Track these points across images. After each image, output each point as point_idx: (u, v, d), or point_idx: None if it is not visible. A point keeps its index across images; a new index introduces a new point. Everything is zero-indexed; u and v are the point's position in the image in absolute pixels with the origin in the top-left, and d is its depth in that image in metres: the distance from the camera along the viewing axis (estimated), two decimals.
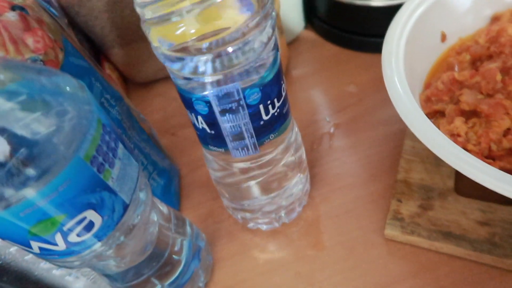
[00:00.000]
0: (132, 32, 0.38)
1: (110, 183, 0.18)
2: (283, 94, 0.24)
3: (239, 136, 0.23)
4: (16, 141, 0.14)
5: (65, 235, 0.17)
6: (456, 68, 0.31)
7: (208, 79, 0.20)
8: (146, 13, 0.19)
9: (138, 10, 0.19)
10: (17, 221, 0.15)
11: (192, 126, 0.25)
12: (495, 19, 0.34)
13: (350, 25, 0.41)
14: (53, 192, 0.15)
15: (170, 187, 0.33)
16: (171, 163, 0.35)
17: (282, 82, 0.24)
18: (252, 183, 0.28)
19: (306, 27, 0.46)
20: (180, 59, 0.19)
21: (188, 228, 0.27)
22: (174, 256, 0.25)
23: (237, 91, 0.21)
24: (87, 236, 0.17)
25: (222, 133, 0.23)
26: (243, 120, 0.22)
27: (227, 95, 0.21)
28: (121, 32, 0.38)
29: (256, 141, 0.24)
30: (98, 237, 0.18)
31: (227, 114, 0.22)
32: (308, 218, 0.32)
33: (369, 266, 0.29)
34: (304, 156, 0.30)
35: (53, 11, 0.25)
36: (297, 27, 0.44)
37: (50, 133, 0.15)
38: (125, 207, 0.19)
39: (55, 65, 0.21)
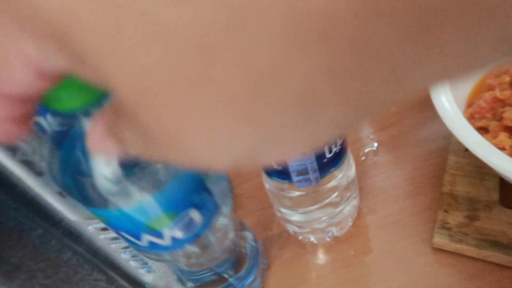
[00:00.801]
0: None
1: (208, 184, 0.19)
2: None
3: (303, 172, 0.26)
4: None
5: (172, 231, 0.19)
6: (497, 89, 0.33)
7: None
8: None
9: None
10: (138, 216, 0.17)
11: None
12: None
13: None
14: (166, 194, 0.17)
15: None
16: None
17: None
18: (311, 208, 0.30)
19: None
20: None
21: (247, 232, 0.30)
22: (240, 257, 0.27)
23: None
24: (190, 233, 0.19)
25: (289, 170, 0.25)
26: (309, 160, 0.25)
27: None
28: None
29: (318, 175, 0.26)
30: (197, 234, 0.20)
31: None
32: (356, 228, 0.34)
33: (417, 274, 0.30)
34: (354, 174, 0.32)
35: None
36: None
37: None
38: (217, 207, 0.21)
39: None
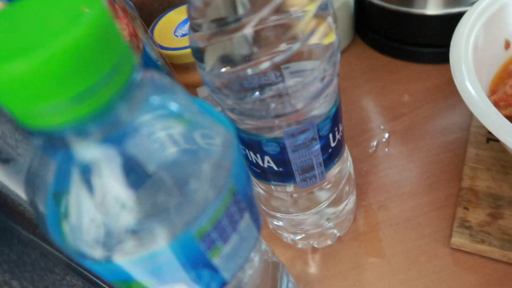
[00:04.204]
0: None
1: (215, 260, 0.14)
2: (342, 116, 0.23)
3: (309, 169, 0.23)
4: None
5: None
6: None
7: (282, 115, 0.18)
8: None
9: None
10: (103, 272, 0.14)
11: None
12: None
13: (402, 34, 0.41)
14: (144, 263, 0.13)
15: None
16: None
17: (340, 104, 0.23)
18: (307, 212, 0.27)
19: (354, 38, 0.46)
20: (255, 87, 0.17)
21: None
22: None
23: (313, 125, 0.20)
24: None
25: (292, 169, 0.22)
26: (315, 152, 0.22)
27: (303, 131, 0.20)
28: None
29: (324, 169, 0.23)
30: None
31: (300, 150, 0.21)
32: (365, 226, 0.31)
33: (434, 277, 0.27)
34: (351, 165, 0.29)
35: (131, 4, 0.25)
36: (347, 38, 0.44)
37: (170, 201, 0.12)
38: (223, 284, 0.16)
39: (138, 53, 0.21)
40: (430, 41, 0.39)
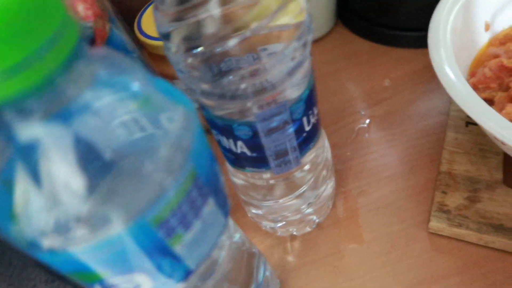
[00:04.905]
0: None
1: (176, 248, 0.14)
2: (316, 99, 0.23)
3: (283, 154, 0.22)
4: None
5: None
6: (503, 56, 0.30)
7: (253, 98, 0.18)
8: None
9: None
10: (57, 263, 0.13)
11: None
12: None
13: (384, 18, 0.40)
14: (98, 251, 0.12)
15: None
16: None
17: (315, 86, 0.22)
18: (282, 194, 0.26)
19: (336, 22, 0.45)
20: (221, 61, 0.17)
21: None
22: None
23: (286, 108, 0.20)
24: None
25: (265, 154, 0.22)
26: (288, 136, 0.21)
27: (276, 114, 0.19)
28: None
29: (299, 154, 0.23)
30: None
31: (273, 134, 0.21)
32: (345, 212, 0.30)
33: (413, 261, 0.27)
34: (328, 148, 0.28)
35: None
36: (328, 23, 0.44)
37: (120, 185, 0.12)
38: (188, 273, 0.15)
39: (103, 35, 0.21)
40: (411, 25, 0.39)
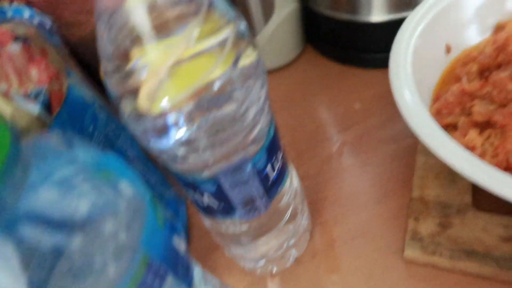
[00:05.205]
0: None
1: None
2: (281, 144, 0.23)
3: (250, 201, 0.22)
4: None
5: None
6: (465, 79, 0.31)
7: (210, 155, 0.18)
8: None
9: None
10: None
11: None
12: (499, 28, 0.33)
13: (351, 42, 0.41)
14: None
15: (177, 217, 0.32)
16: (176, 192, 0.34)
17: (277, 132, 0.22)
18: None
19: (306, 46, 0.46)
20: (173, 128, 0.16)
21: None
22: None
23: (248, 162, 0.20)
24: None
25: (232, 204, 0.22)
26: (254, 186, 0.21)
27: (238, 168, 0.20)
28: None
29: (267, 200, 0.23)
30: None
31: (237, 187, 0.21)
32: (322, 243, 0.30)
33: None
34: (298, 182, 0.28)
35: (56, 40, 0.24)
36: (297, 47, 0.44)
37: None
38: None
39: (59, 97, 0.20)
40: (378, 47, 0.40)
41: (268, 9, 0.39)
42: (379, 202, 0.32)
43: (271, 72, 0.44)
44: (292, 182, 0.27)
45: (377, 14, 0.37)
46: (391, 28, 0.38)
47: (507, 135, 0.26)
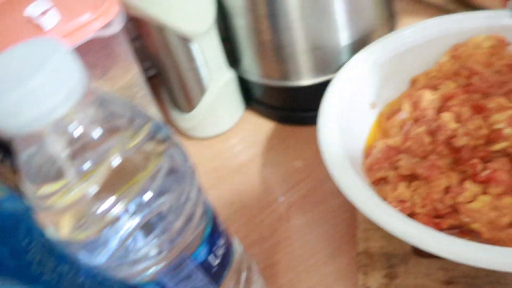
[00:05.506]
0: None
1: None
2: (222, 227, 0.23)
3: None
4: None
5: None
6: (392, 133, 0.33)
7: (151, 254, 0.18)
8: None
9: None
10: None
11: None
12: (414, 82, 0.37)
13: (285, 104, 0.43)
14: None
15: None
16: None
17: (217, 218, 0.23)
18: None
19: (245, 111, 0.48)
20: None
21: None
22: None
23: (187, 259, 0.20)
24: None
25: None
26: (198, 278, 0.21)
27: (179, 267, 0.20)
28: None
29: (215, 285, 0.23)
30: None
31: (181, 283, 0.21)
32: None
33: None
34: (243, 254, 0.29)
35: None
36: (237, 111, 0.46)
37: None
38: None
39: None
40: (310, 106, 0.42)
41: (202, 83, 0.41)
42: (328, 260, 0.33)
43: (212, 139, 0.45)
44: (236, 256, 0.27)
45: (305, 79, 0.40)
46: (321, 88, 0.41)
47: (431, 185, 0.28)
